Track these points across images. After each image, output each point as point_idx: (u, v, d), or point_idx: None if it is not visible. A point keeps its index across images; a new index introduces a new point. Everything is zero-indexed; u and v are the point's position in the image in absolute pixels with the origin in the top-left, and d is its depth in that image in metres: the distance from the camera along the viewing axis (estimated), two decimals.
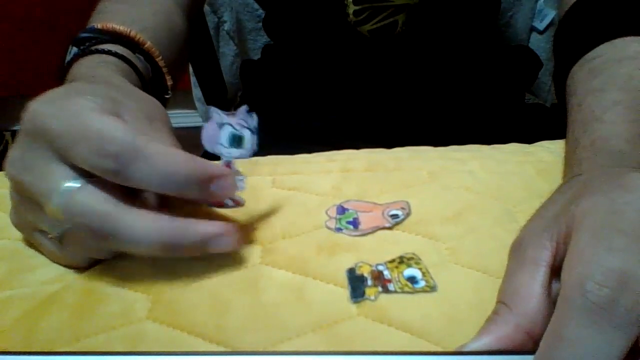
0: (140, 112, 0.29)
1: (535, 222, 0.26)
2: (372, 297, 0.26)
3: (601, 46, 0.35)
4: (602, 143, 0.30)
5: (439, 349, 0.24)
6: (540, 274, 0.23)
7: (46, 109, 0.27)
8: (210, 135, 0.26)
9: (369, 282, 0.27)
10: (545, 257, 0.23)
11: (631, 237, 0.20)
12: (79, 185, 0.26)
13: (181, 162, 0.26)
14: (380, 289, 0.26)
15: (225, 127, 0.26)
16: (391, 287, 0.26)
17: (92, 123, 0.26)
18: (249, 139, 0.27)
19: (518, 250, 0.25)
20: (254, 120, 0.27)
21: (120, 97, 0.29)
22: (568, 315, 0.19)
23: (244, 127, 0.27)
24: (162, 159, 0.25)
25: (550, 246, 0.23)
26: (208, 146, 0.27)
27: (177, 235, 0.26)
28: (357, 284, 0.27)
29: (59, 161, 0.26)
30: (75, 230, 0.26)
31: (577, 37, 0.38)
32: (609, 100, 0.32)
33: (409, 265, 0.27)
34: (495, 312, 0.23)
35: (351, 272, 0.28)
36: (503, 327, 0.22)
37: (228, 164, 0.27)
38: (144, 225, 0.26)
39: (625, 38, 0.34)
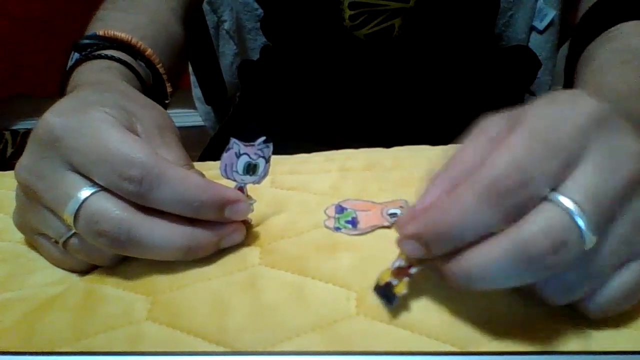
0: (152, 123, 0.30)
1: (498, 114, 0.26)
2: (404, 291, 0.25)
3: (620, 25, 0.39)
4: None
5: (439, 347, 0.24)
6: (481, 143, 0.24)
7: (63, 122, 0.27)
8: (227, 164, 0.28)
9: (395, 283, 0.26)
10: (496, 133, 0.24)
11: (552, 148, 0.21)
12: (95, 192, 0.26)
13: (200, 187, 0.27)
14: (406, 279, 0.25)
15: (242, 157, 0.28)
16: (413, 270, 0.25)
17: (113, 144, 0.26)
18: (262, 167, 0.29)
19: (477, 128, 0.25)
20: (269, 150, 0.29)
21: (132, 107, 0.30)
22: (469, 184, 0.22)
23: (260, 156, 0.29)
24: (182, 185, 0.27)
25: (503, 126, 0.24)
26: (224, 174, 0.28)
27: (195, 239, 0.28)
28: (386, 294, 0.26)
29: (73, 172, 0.27)
30: (90, 237, 0.26)
31: (599, 19, 0.42)
32: (618, 58, 0.36)
33: None
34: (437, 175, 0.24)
35: (378, 289, 0.26)
36: (442, 184, 0.24)
37: (241, 189, 0.29)
38: (163, 232, 0.27)
39: None
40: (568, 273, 0.22)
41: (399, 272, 0.26)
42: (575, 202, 0.21)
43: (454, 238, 0.22)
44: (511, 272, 0.21)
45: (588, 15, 0.45)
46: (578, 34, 0.45)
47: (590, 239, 0.21)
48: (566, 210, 0.21)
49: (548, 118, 0.22)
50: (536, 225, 0.21)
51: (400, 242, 0.24)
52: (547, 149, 0.21)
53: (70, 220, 0.26)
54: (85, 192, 0.26)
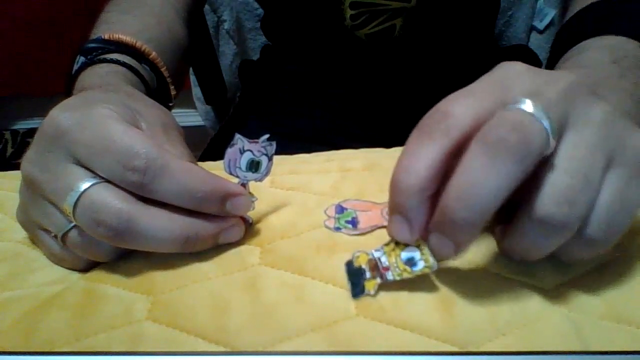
0: (156, 121, 0.30)
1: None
2: (372, 292, 0.26)
3: (583, 42, 0.40)
4: None
5: (439, 347, 0.24)
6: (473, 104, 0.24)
7: (69, 117, 0.28)
8: (231, 159, 0.29)
9: (367, 275, 0.26)
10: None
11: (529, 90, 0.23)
12: (96, 183, 0.26)
13: (202, 179, 0.27)
14: (378, 279, 0.26)
15: (246, 153, 0.29)
16: (389, 275, 0.26)
17: (117, 135, 0.27)
18: (265, 165, 0.29)
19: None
20: (272, 148, 0.29)
21: (136, 106, 0.30)
22: (471, 150, 0.22)
23: (263, 154, 0.29)
24: (185, 176, 0.27)
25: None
26: (227, 169, 0.29)
27: (194, 230, 0.28)
28: (356, 279, 0.27)
29: (76, 164, 0.27)
30: (89, 228, 0.27)
31: (566, 38, 0.43)
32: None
33: (407, 245, 0.26)
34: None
35: (349, 265, 0.27)
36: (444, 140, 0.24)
37: (243, 185, 0.29)
38: (162, 222, 0.27)
39: (602, 36, 0.40)
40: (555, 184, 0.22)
41: (374, 265, 0.26)
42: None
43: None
44: (493, 170, 0.22)
45: (559, 35, 0.47)
46: (551, 54, 0.47)
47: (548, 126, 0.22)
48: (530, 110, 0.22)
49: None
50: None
51: (429, 240, 0.25)
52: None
53: (69, 210, 0.26)
54: (86, 184, 0.26)
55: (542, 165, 0.23)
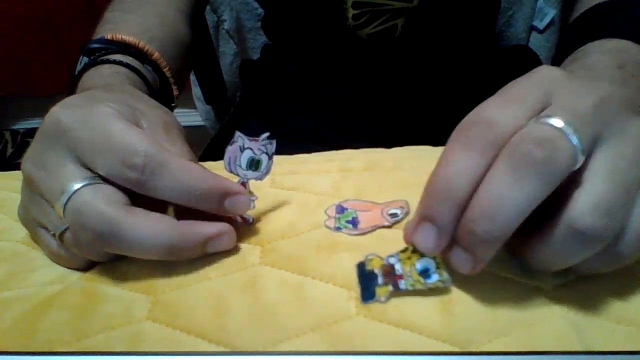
0: (157, 120, 0.30)
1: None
2: (383, 299, 0.25)
3: (587, 44, 0.39)
4: None
5: (439, 347, 0.24)
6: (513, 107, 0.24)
7: (70, 114, 0.28)
8: (231, 157, 0.29)
9: (380, 280, 0.26)
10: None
11: (568, 113, 0.23)
12: (86, 185, 0.26)
13: (201, 177, 0.27)
14: (391, 287, 0.26)
15: (246, 151, 0.29)
16: (402, 284, 0.25)
17: (117, 133, 0.27)
18: (265, 163, 0.29)
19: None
20: (272, 147, 0.29)
21: (138, 105, 0.30)
22: (497, 165, 0.22)
23: (263, 152, 0.29)
24: (183, 174, 0.27)
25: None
26: (228, 167, 0.29)
27: (179, 238, 0.27)
28: (367, 283, 0.26)
29: (74, 162, 0.27)
30: (76, 230, 0.27)
31: (571, 40, 0.43)
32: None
33: (423, 255, 0.26)
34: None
35: (361, 268, 0.27)
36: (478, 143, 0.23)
37: (243, 184, 0.29)
38: (147, 228, 0.26)
39: (607, 39, 0.39)
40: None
41: (388, 271, 0.26)
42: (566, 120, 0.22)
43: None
44: (520, 187, 0.22)
45: (564, 35, 0.47)
46: (555, 55, 0.47)
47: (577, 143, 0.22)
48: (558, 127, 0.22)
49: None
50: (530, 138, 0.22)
51: (447, 254, 0.24)
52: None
53: (61, 211, 0.26)
54: (77, 185, 0.26)
55: (574, 177, 0.22)
